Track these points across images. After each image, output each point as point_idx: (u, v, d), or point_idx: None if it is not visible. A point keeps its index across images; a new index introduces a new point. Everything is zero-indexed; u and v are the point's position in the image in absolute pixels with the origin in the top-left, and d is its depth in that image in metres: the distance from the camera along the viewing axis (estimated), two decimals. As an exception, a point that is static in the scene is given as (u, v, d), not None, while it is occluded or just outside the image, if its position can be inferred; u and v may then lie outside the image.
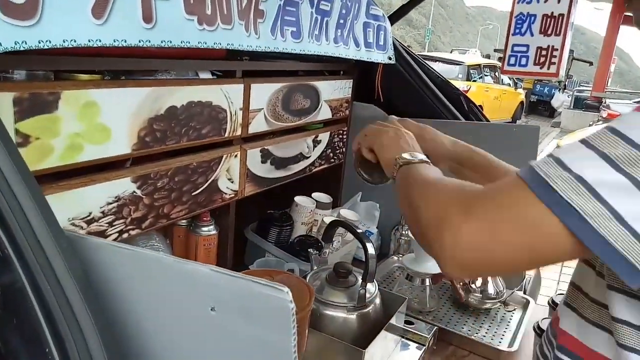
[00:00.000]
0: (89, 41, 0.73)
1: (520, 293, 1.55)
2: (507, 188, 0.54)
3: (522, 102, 12.96)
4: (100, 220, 0.90)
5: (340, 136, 1.71)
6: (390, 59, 1.66)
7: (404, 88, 1.72)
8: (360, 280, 1.02)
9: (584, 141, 0.51)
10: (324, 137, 1.61)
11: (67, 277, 0.41)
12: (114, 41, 0.76)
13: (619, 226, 0.46)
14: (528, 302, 1.48)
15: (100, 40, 0.74)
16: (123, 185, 0.93)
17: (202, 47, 0.90)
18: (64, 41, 0.69)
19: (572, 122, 11.65)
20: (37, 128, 0.76)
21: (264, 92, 1.26)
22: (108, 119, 0.86)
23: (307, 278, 1.06)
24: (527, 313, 1.41)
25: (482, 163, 0.99)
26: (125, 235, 0.96)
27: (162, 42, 0.82)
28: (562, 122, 12.67)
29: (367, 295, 1.01)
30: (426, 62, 1.76)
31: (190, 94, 1.03)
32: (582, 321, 0.65)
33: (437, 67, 10.63)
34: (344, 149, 1.75)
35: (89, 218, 0.88)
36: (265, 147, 1.32)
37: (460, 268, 0.57)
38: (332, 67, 1.58)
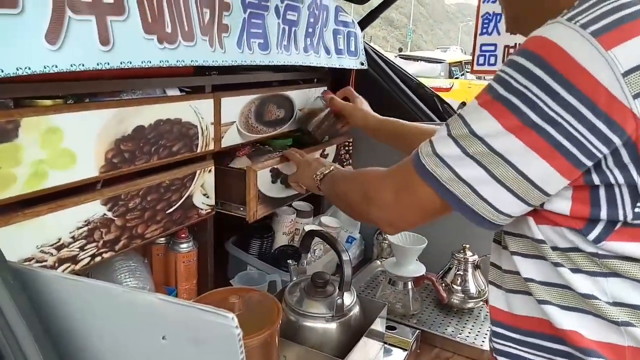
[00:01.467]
0: (45, 67, 0.73)
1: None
2: (401, 170, 0.77)
3: (505, 97, 13.07)
4: (71, 246, 0.89)
5: (347, 148, 1.70)
6: (362, 64, 1.67)
7: (377, 92, 1.73)
8: (338, 289, 1.02)
9: (446, 124, 0.68)
10: (331, 150, 1.60)
11: (14, 313, 0.40)
12: (71, 66, 0.76)
13: (464, 186, 0.64)
14: (511, 299, 1.49)
15: (56, 66, 0.74)
16: (93, 209, 0.93)
17: (165, 65, 0.90)
18: (17, 69, 0.69)
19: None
20: (-2, 157, 0.75)
21: (235, 105, 1.26)
22: (72, 143, 0.86)
23: (286, 290, 1.06)
24: (509, 310, 1.42)
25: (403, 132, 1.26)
26: (98, 259, 0.95)
27: (121, 63, 0.82)
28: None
29: (346, 303, 1.01)
30: (398, 65, 1.77)
31: (158, 112, 1.02)
32: (505, 293, 0.74)
33: (418, 66, 10.74)
34: (350, 161, 1.75)
35: (58, 244, 0.87)
36: (275, 167, 1.31)
37: (389, 230, 0.83)
38: (305, 75, 1.58)
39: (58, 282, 0.45)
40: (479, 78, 11.41)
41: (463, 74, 10.76)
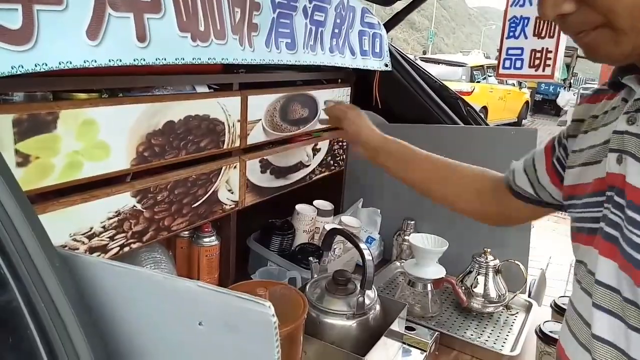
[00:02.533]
0: (85, 62, 0.75)
1: (524, 296, 1.55)
2: None
3: (527, 102, 12.91)
4: (102, 235, 0.92)
5: (340, 144, 1.73)
6: (386, 65, 1.68)
7: (401, 94, 1.73)
8: (359, 288, 1.02)
9: None
10: (324, 145, 1.62)
11: (61, 296, 0.42)
12: (109, 61, 0.78)
13: None
14: (531, 305, 1.48)
15: (95, 61, 0.76)
16: (123, 200, 0.95)
17: (197, 62, 0.92)
18: (60, 63, 0.72)
19: (579, 120, 11.55)
20: (37, 148, 0.78)
21: (261, 103, 1.28)
22: (107, 136, 0.88)
23: (307, 286, 1.08)
24: (529, 316, 1.41)
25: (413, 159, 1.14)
26: (126, 249, 0.98)
27: (156, 59, 0.84)
28: (568, 120, 12.59)
29: (366, 302, 1.02)
30: (422, 67, 1.77)
31: (188, 108, 1.05)
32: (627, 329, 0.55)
33: (440, 69, 10.67)
34: (344, 156, 1.76)
35: (90, 233, 0.90)
36: (265, 157, 1.34)
37: None
38: (329, 75, 1.60)
39: (102, 268, 0.47)
40: (501, 82, 11.29)
41: (485, 78, 10.65)
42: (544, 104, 15.42)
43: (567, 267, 4.39)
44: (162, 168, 1.05)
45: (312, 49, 1.35)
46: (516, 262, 1.40)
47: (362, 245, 0.99)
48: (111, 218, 0.93)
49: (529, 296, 1.70)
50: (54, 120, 0.80)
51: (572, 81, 15.44)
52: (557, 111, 15.03)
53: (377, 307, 1.05)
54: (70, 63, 0.73)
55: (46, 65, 0.70)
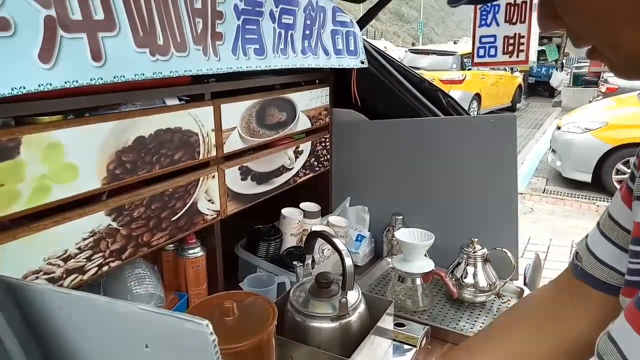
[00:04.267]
0: (40, 86, 0.75)
1: (518, 282, 1.54)
2: None
3: (520, 86, 12.88)
4: (78, 257, 0.92)
5: (323, 144, 1.72)
6: (362, 62, 1.67)
7: (380, 90, 1.73)
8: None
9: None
10: (306, 147, 1.62)
11: (5, 326, 0.42)
12: (65, 83, 0.78)
13: None
14: (522, 291, 1.47)
15: (50, 84, 0.76)
16: (97, 219, 0.95)
17: (158, 77, 0.92)
18: (12, 89, 0.71)
19: (573, 100, 11.55)
20: (1, 175, 0.77)
21: (235, 111, 1.27)
22: (74, 157, 0.88)
23: (291, 291, 1.07)
24: (521, 302, 1.41)
25: None
26: (105, 268, 0.98)
27: (114, 77, 0.84)
28: (562, 100, 12.56)
29: (350, 302, 1.01)
30: (398, 61, 1.76)
31: (158, 122, 1.05)
32: None
33: (430, 59, 10.63)
34: (328, 156, 1.76)
35: (65, 256, 0.89)
36: (244, 164, 1.34)
37: None
38: (306, 77, 1.59)
39: (48, 295, 0.46)
40: (493, 69, 11.27)
41: (476, 65, 10.63)
42: (537, 86, 15.38)
43: (569, 249, 4.38)
44: (138, 184, 1.04)
45: (283, 52, 1.34)
46: (503, 249, 1.40)
47: (340, 247, 0.99)
48: (86, 238, 0.93)
49: (524, 283, 1.69)
50: (17, 146, 0.79)
51: (563, 61, 15.41)
52: (550, 92, 15.01)
53: (362, 306, 1.05)
54: (24, 88, 0.73)
55: (-2, 92, 0.69)
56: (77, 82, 0.79)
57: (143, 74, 0.89)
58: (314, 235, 1.10)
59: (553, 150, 6.36)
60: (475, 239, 1.43)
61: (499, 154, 1.52)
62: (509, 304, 1.43)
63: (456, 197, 1.62)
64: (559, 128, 6.31)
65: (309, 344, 0.98)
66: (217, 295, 0.84)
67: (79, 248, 0.92)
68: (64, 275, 0.90)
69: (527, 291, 1.47)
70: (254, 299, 0.85)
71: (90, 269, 0.95)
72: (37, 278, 0.85)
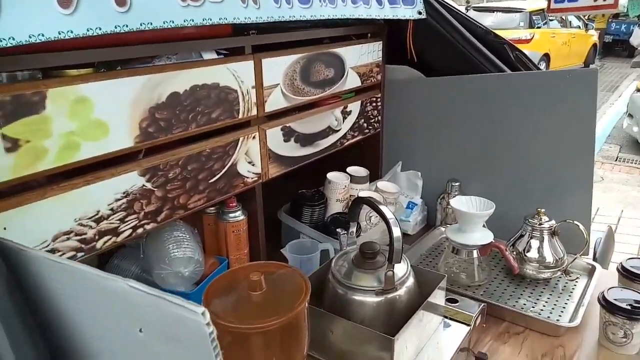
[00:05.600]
0: (60, 33, 0.69)
1: (587, 259, 1.39)
2: None
3: (594, 45, 11.83)
4: (110, 218, 0.88)
5: (374, 104, 1.60)
6: (420, 13, 1.51)
7: (439, 44, 1.57)
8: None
9: None
10: (355, 107, 1.51)
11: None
12: (88, 30, 0.72)
13: None
14: (594, 268, 1.32)
15: (72, 32, 0.70)
16: (131, 180, 0.91)
17: (190, 25, 0.84)
18: (30, 37, 0.66)
19: (655, 60, 10.48)
20: (26, 131, 0.73)
21: (278, 66, 1.18)
22: (103, 113, 0.83)
23: (333, 261, 1.00)
24: (592, 282, 1.26)
25: None
26: (140, 230, 0.94)
27: (141, 25, 0.77)
28: (643, 60, 11.44)
29: (398, 275, 0.92)
30: (461, 11, 1.59)
31: (193, 77, 0.98)
32: None
33: (495, 18, 9.95)
34: (379, 118, 1.64)
35: (97, 216, 0.86)
36: (287, 125, 1.25)
37: None
38: (356, 30, 1.46)
39: (43, 263, 0.41)
40: (564, 26, 10.39)
41: (546, 23, 9.83)
42: (614, 46, 14.07)
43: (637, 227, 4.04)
44: (173, 143, 0.99)
45: (331, 1, 1.22)
46: (575, 222, 1.24)
47: (388, 214, 0.90)
48: (119, 199, 0.89)
49: (594, 258, 1.53)
50: (42, 100, 0.75)
51: (647, 16, 13.95)
52: (630, 52, 13.69)
53: (411, 280, 0.96)
54: (43, 36, 0.67)
55: (13, 39, 0.64)
56: (100, 29, 0.73)
57: (172, 21, 0.81)
58: (359, 202, 1.01)
59: (630, 115, 5.82)
60: (542, 210, 1.28)
61: (575, 114, 1.34)
62: (577, 282, 1.29)
63: (521, 163, 1.46)
64: (638, 90, 5.74)
65: (350, 319, 0.91)
66: (246, 266, 0.78)
67: (111, 209, 0.88)
68: (97, 237, 0.87)
69: (599, 269, 1.32)
70: (286, 271, 0.77)
71: (124, 230, 0.91)
72: (68, 239, 0.82)
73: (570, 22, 10.65)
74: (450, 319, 1.06)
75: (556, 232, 1.27)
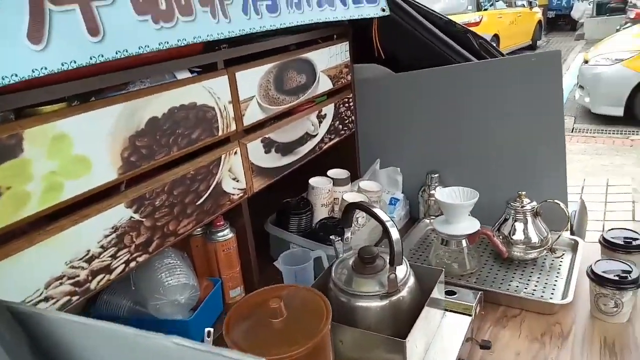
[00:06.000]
0: (34, 71, 0.66)
1: (567, 234, 1.44)
2: None
3: (539, 22, 12.23)
4: (102, 256, 0.85)
5: (347, 105, 1.61)
6: (383, 10, 1.52)
7: (404, 39, 1.59)
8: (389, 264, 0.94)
9: None
10: (329, 110, 1.51)
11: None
12: (62, 65, 0.68)
13: None
14: (577, 243, 1.37)
15: (46, 68, 0.67)
16: (118, 213, 0.87)
17: (165, 47, 0.82)
18: (3, 78, 0.62)
19: (597, 31, 10.90)
20: (5, 177, 0.69)
21: (252, 78, 1.16)
22: (84, 148, 0.80)
23: (333, 270, 0.99)
24: (577, 256, 1.31)
25: None
26: (133, 264, 0.91)
27: (116, 52, 0.74)
28: (585, 33, 11.90)
29: (399, 276, 0.93)
30: (422, 4, 1.60)
31: (170, 100, 0.95)
32: None
33: (443, 4, 10.14)
34: (352, 117, 1.65)
35: (88, 256, 0.82)
36: (266, 136, 1.24)
37: None
38: (323, 33, 1.46)
39: (64, 325, 0.38)
40: (510, 5, 10.69)
41: (492, 4, 10.10)
42: (558, 21, 14.59)
43: (604, 188, 4.22)
44: (155, 170, 0.96)
45: (298, 6, 1.22)
46: (555, 201, 1.28)
47: (383, 217, 0.90)
48: (108, 235, 0.86)
49: (572, 232, 1.58)
50: (19, 142, 0.71)
51: (584, -10, 14.54)
52: (572, 26, 14.24)
53: (412, 279, 0.97)
54: (16, 76, 0.64)
55: (-14, 84, 0.60)
56: (75, 62, 0.69)
57: (148, 46, 0.78)
58: (351, 208, 1.01)
59: (580, 86, 6.05)
60: (523, 192, 1.32)
61: (543, 96, 1.39)
62: (562, 258, 1.33)
63: (497, 149, 1.49)
64: (586, 62, 5.97)
65: (357, 326, 0.91)
66: (260, 292, 0.76)
67: (102, 246, 0.85)
68: (90, 278, 0.83)
69: (582, 243, 1.37)
70: (302, 293, 0.76)
71: (116, 267, 0.88)
72: (61, 284, 0.79)
73: (514, 1, 10.98)
74: (451, 311, 1.08)
75: (538, 212, 1.31)
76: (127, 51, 0.75)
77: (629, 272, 1.08)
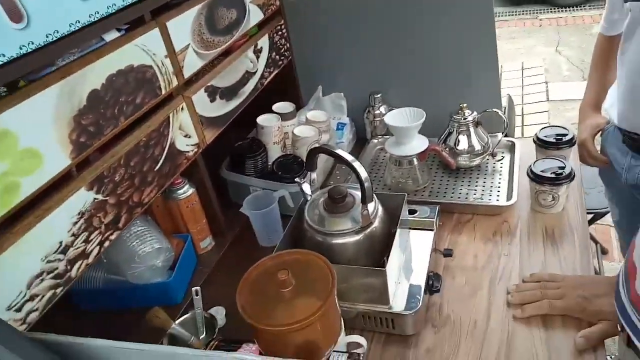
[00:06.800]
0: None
1: (504, 139, 1.54)
2: None
3: None
4: (75, 244, 0.82)
5: (280, 33, 1.54)
6: None
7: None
8: (358, 199, 0.99)
9: None
10: (264, 42, 1.45)
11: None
12: (-9, 61, 0.61)
13: None
14: (513, 144, 1.49)
15: (-28, 68, 0.59)
16: (81, 198, 0.84)
17: (97, 19, 0.74)
18: None
19: None
20: (-44, 191, 0.64)
21: (183, 25, 1.08)
22: (30, 140, 0.74)
23: (305, 212, 1.03)
24: (515, 156, 1.43)
25: None
26: (107, 244, 0.90)
27: (47, 36, 0.66)
28: None
29: (370, 211, 0.98)
30: None
31: (106, 68, 0.87)
32: None
33: None
34: (287, 45, 1.59)
35: (62, 248, 0.80)
36: (209, 84, 1.19)
37: None
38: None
39: (111, 353, 0.39)
40: None
41: None
42: None
43: (520, 72, 4.48)
44: (108, 145, 0.91)
45: (218, -63, 1.11)
46: (494, 109, 1.37)
47: (348, 157, 0.93)
48: (77, 222, 0.83)
49: (505, 129, 1.70)
50: (-41, 150, 0.64)
51: None
52: None
53: (380, 209, 1.03)
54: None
55: None
56: (4, 55, 0.62)
57: (79, 21, 0.70)
58: (315, 152, 1.02)
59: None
60: (464, 104, 1.39)
61: (474, 5, 1.40)
62: (502, 161, 1.45)
63: (434, 62, 1.53)
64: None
65: (336, 262, 0.96)
66: (261, 264, 0.78)
67: (73, 234, 0.82)
68: (69, 267, 0.82)
69: (518, 144, 1.48)
70: (303, 256, 0.79)
71: (92, 250, 0.86)
72: (42, 281, 0.77)
73: None
74: (414, 228, 1.17)
75: (479, 122, 1.39)
76: (58, 32, 0.68)
77: (563, 167, 1.21)
